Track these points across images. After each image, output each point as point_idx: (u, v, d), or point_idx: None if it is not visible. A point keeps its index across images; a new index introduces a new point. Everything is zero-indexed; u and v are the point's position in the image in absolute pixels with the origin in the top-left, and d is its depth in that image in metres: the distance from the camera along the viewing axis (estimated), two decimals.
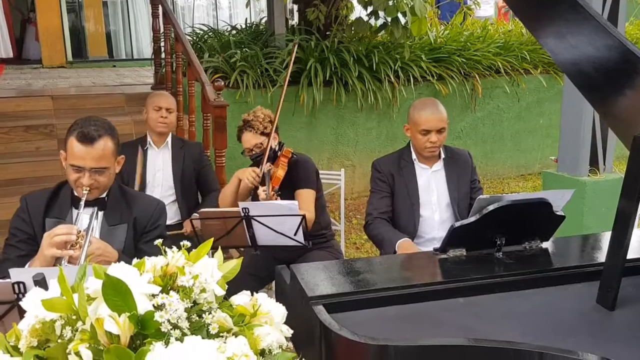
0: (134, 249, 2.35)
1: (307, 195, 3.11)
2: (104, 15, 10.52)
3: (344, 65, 5.98)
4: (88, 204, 2.25)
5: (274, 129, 3.13)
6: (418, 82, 6.30)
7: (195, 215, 3.54)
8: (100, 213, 2.33)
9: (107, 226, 2.33)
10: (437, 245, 2.23)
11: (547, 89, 7.12)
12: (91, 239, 2.12)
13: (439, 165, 3.04)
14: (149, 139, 3.70)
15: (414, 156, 3.03)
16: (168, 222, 3.54)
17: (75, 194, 2.29)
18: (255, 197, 3.11)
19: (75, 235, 2.07)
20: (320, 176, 3.35)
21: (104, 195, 2.33)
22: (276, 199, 2.90)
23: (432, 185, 3.02)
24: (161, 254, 1.18)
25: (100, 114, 5.45)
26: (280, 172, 3.05)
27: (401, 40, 6.22)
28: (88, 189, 2.20)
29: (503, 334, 1.66)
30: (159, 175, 3.67)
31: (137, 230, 2.38)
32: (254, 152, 3.15)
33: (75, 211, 2.27)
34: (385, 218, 2.99)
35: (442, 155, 3.04)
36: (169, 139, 3.71)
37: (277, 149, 3.13)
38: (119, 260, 1.21)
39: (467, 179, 3.05)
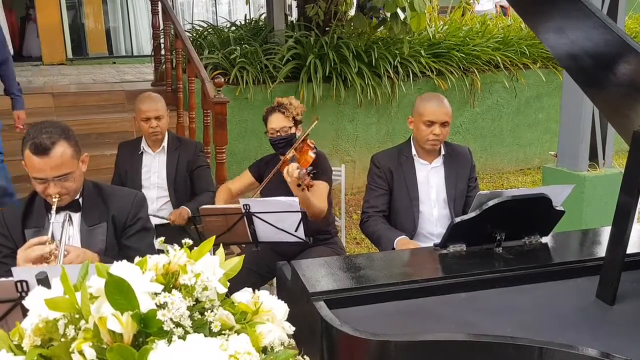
0: (117, 246, 2.31)
1: (323, 187, 3.12)
2: (103, 12, 10.51)
3: (343, 61, 5.97)
4: (63, 208, 2.20)
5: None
6: (417, 77, 6.29)
7: (184, 207, 3.56)
8: (78, 215, 2.28)
9: (87, 227, 2.28)
10: (434, 240, 2.24)
11: (546, 84, 7.11)
12: (68, 247, 2.06)
13: (439, 162, 3.03)
14: (143, 143, 3.66)
15: (413, 151, 3.02)
16: (162, 220, 3.56)
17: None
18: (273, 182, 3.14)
19: (49, 247, 2.01)
20: None
21: (77, 197, 2.28)
22: (310, 179, 2.89)
23: (431, 182, 3.01)
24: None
25: (100, 111, 5.50)
26: (309, 157, 3.08)
27: (400, 36, 6.22)
28: (58, 196, 2.15)
29: (503, 329, 1.67)
30: (154, 178, 3.64)
31: (117, 227, 2.32)
32: (278, 135, 3.17)
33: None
34: (380, 216, 2.99)
35: (442, 152, 3.03)
36: (165, 142, 3.65)
37: (302, 137, 3.19)
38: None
39: (465, 176, 3.04)
